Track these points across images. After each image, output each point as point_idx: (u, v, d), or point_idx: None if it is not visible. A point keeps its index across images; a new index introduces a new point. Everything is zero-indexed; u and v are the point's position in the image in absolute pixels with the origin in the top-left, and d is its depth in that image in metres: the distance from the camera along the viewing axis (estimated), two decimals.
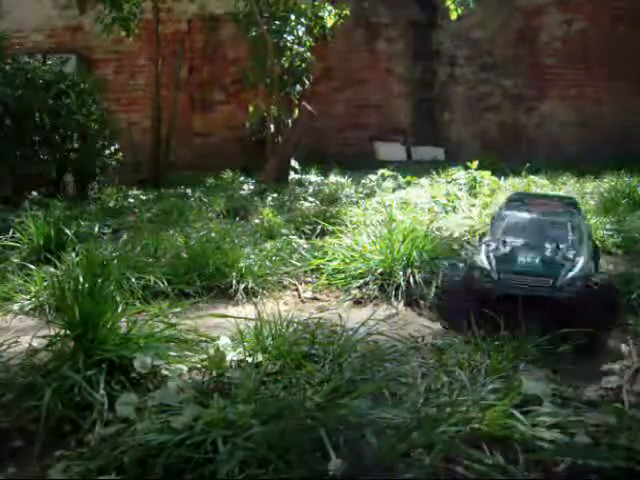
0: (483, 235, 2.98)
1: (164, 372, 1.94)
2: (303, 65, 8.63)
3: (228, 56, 10.97)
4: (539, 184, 6.66)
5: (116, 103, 9.71)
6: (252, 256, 3.37)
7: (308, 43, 8.71)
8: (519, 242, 2.50)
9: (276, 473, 1.34)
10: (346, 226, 4.35)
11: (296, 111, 8.19)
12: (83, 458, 1.51)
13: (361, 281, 3.05)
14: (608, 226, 4.29)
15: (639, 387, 1.94)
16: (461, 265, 2.59)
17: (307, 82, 8.80)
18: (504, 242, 2.49)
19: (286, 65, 8.50)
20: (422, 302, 2.91)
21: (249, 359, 1.97)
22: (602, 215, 4.70)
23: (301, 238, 4.17)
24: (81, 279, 2.08)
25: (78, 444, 1.63)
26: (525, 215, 2.69)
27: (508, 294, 2.34)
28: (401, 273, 2.99)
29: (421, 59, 11.17)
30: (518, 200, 3.01)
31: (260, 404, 1.62)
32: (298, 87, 8.71)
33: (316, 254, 3.54)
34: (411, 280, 2.96)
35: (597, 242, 3.88)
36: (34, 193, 5.56)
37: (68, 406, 1.73)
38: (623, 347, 2.32)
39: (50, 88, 6.40)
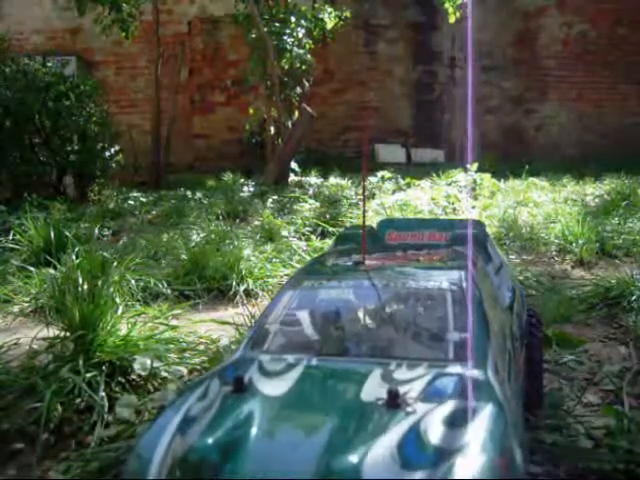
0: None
1: (164, 374, 1.95)
2: (303, 67, 8.63)
3: (228, 58, 10.97)
4: (539, 186, 6.66)
5: (116, 105, 9.72)
6: (252, 258, 3.37)
7: (308, 45, 8.71)
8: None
9: None
10: (346, 228, 4.35)
11: (296, 113, 8.19)
12: (83, 460, 1.51)
13: None
14: (609, 228, 4.29)
15: (639, 389, 1.94)
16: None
17: (307, 84, 8.80)
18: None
19: (286, 67, 8.51)
20: None
21: None
22: (602, 217, 4.70)
23: (301, 240, 4.17)
24: (81, 281, 2.08)
25: (78, 446, 1.63)
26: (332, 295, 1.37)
27: None
28: None
29: (421, 61, 11.18)
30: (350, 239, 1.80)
31: None
32: (298, 89, 8.72)
33: (316, 256, 3.54)
34: None
35: (594, 245, 3.89)
36: (34, 195, 5.56)
37: (68, 408, 1.74)
38: (623, 349, 2.32)
39: (50, 90, 6.40)
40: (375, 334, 1.25)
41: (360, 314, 1.31)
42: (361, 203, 5.59)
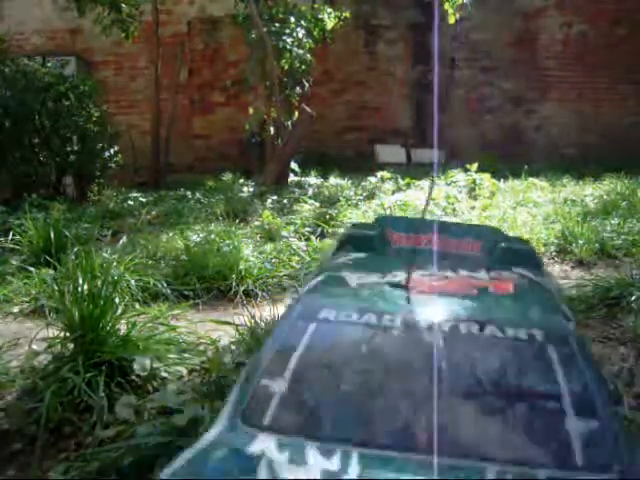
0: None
1: (163, 374, 1.94)
2: (303, 67, 8.63)
3: (228, 58, 10.96)
4: (539, 186, 6.66)
5: (116, 105, 9.71)
6: (252, 258, 3.37)
7: (308, 45, 8.71)
8: None
9: None
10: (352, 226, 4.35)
11: (296, 113, 8.19)
12: (83, 460, 1.51)
13: None
14: (608, 228, 4.30)
15: (638, 389, 1.94)
16: None
17: (307, 84, 8.80)
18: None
19: (286, 67, 8.51)
20: None
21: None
22: (602, 217, 4.71)
23: (301, 240, 4.17)
24: (80, 281, 2.08)
25: (78, 446, 1.63)
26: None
27: None
28: None
29: (420, 61, 11.18)
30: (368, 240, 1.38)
31: None
32: (298, 89, 8.72)
33: (316, 256, 3.54)
34: None
35: (594, 246, 3.89)
36: (34, 195, 5.55)
37: (68, 408, 1.74)
38: (623, 349, 2.32)
39: (50, 90, 6.40)
40: (449, 414, 0.78)
41: (419, 375, 0.83)
42: (360, 203, 5.59)
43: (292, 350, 0.88)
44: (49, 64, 6.94)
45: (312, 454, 0.72)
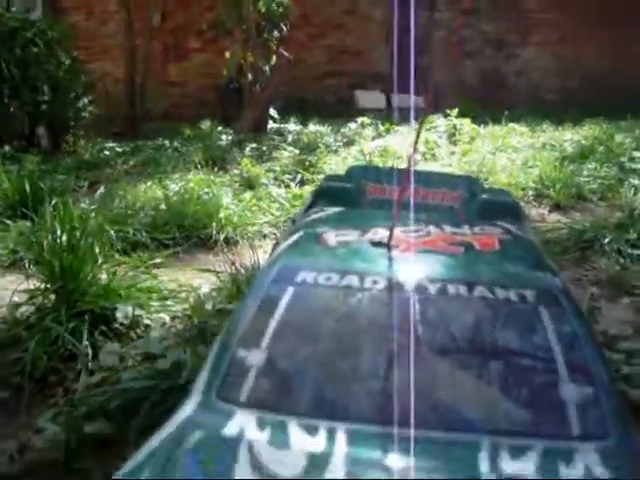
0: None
1: (146, 322, 1.97)
2: (280, 10, 8.38)
3: (203, 2, 10.58)
4: (519, 132, 6.67)
5: (87, 52, 9.38)
6: (232, 206, 3.37)
7: None
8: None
9: None
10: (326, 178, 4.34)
11: (274, 58, 8.00)
12: (71, 405, 1.54)
13: None
14: (585, 172, 4.37)
15: (604, 327, 2.01)
16: None
17: (284, 28, 8.56)
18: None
19: (263, 10, 8.25)
20: None
21: (229, 306, 1.99)
22: (579, 162, 4.77)
23: (280, 187, 4.16)
24: (59, 233, 2.07)
25: (65, 392, 1.66)
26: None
27: None
28: None
29: (400, 4, 10.91)
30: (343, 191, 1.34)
31: None
32: (276, 33, 8.48)
33: (296, 203, 3.55)
34: None
35: (571, 190, 3.95)
36: (6, 147, 5.41)
37: (53, 357, 1.76)
38: (594, 289, 2.40)
39: (16, 37, 6.14)
40: (441, 385, 0.74)
41: (405, 342, 0.77)
42: (340, 150, 5.56)
43: (269, 317, 0.82)
44: (13, 8, 6.64)
45: (295, 433, 0.67)
